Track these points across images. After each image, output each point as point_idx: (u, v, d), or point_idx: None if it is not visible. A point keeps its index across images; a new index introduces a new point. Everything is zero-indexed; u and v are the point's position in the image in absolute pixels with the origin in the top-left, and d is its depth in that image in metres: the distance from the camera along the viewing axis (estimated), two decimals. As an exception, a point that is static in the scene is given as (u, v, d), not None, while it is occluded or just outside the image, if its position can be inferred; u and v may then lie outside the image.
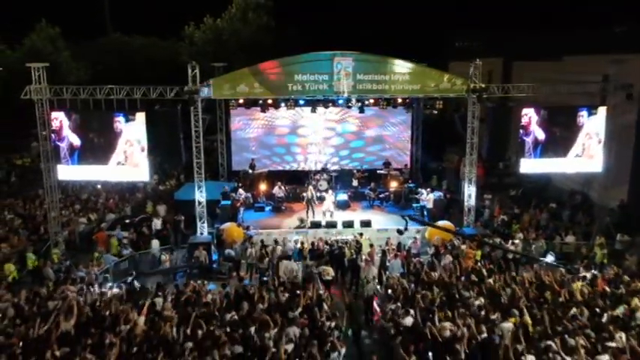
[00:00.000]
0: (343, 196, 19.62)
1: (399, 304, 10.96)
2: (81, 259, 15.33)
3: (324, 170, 21.02)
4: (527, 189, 22.82)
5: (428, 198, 17.68)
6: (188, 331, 9.64)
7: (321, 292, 11.61)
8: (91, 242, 17.02)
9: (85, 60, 30.22)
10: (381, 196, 19.97)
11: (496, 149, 17.27)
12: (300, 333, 9.62)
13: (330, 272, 13.31)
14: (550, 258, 14.57)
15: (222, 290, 12.07)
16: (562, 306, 10.72)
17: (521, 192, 22.69)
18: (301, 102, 19.45)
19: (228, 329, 9.71)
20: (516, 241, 15.58)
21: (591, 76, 20.22)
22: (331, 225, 17.01)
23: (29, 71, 23.13)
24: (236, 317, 10.28)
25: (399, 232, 12.67)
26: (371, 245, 14.82)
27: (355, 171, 21.53)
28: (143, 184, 23.17)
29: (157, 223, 17.85)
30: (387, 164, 21.27)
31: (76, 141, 15.59)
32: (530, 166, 16.52)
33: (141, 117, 15.32)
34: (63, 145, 15.59)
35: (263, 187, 20.10)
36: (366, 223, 16.99)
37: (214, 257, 15.87)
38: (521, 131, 16.13)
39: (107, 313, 10.58)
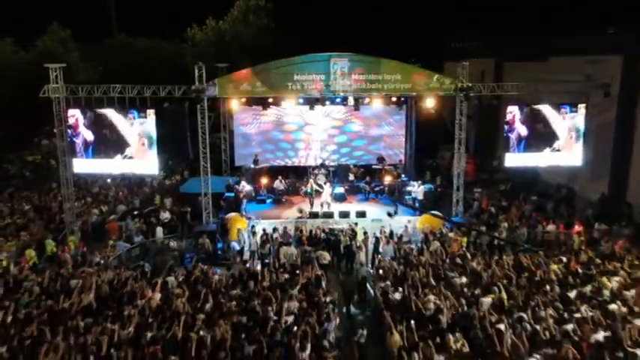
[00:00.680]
0: (340, 190, 20.61)
1: (388, 282, 11.96)
2: (94, 247, 16.34)
3: (322, 166, 22.01)
4: (516, 184, 23.81)
5: (418, 190, 18.68)
6: (198, 305, 10.67)
7: (318, 273, 12.60)
8: (102, 232, 18.03)
9: (93, 60, 31.16)
10: (375, 189, 20.96)
11: (483, 144, 18.27)
12: (298, 307, 10.63)
13: (326, 257, 14.29)
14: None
15: (227, 272, 13.07)
16: (537, 284, 11.74)
17: (509, 186, 23.70)
18: (300, 100, 20.43)
19: (234, 303, 10.73)
20: (501, 229, 16.60)
21: (575, 76, 21.26)
22: (328, 215, 18.01)
23: (41, 72, 24.12)
24: (241, 293, 11.30)
25: (389, 214, 13.63)
26: (365, 233, 15.79)
27: (352, 166, 22.54)
28: (150, 178, 24.24)
29: (165, 215, 18.86)
30: (380, 159, 22.27)
31: (90, 137, 16.59)
32: (514, 160, 17.52)
33: (152, 114, 16.32)
34: (78, 141, 16.59)
35: (264, 180, 21.07)
36: (361, 214, 18.01)
37: (219, 245, 16.86)
38: (505, 127, 17.13)
39: (124, 290, 11.59)
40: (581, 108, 17.19)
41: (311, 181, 19.52)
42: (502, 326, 9.51)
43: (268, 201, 20.29)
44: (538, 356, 8.52)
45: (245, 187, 19.38)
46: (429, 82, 16.98)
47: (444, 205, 19.31)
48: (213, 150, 23.26)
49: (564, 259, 13.47)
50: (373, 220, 17.73)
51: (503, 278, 11.97)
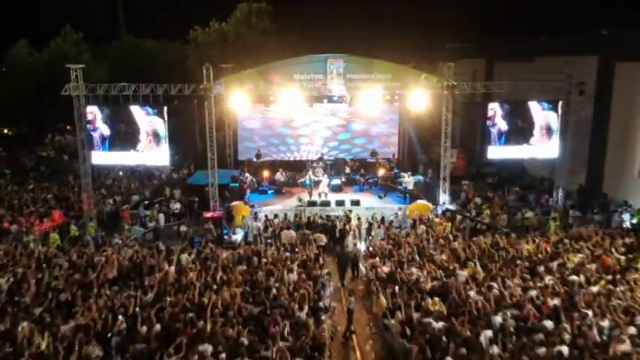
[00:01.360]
0: (337, 181, 21.92)
1: (377, 259, 13.32)
2: (110, 233, 17.68)
3: (320, 159, 23.30)
4: (503, 177, 25.16)
5: (409, 180, 20.01)
6: (209, 277, 12.01)
7: (315, 251, 13.94)
8: (116, 219, 19.39)
9: (103, 61, 32.46)
10: (370, 181, 22.28)
11: (467, 138, 19.55)
12: (297, 278, 11.97)
13: (323, 239, 15.63)
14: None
15: (233, 252, 14.41)
16: (509, 260, 13.08)
17: (496, 180, 25.05)
18: (300, 98, 21.66)
19: (240, 276, 12.07)
20: (483, 216, 17.95)
21: (557, 75, 22.55)
22: (325, 204, 19.31)
23: (55, 72, 25.48)
24: (246, 268, 12.65)
25: (380, 197, 14.93)
26: (358, 219, 17.14)
27: (348, 160, 23.86)
28: (158, 172, 25.62)
29: (175, 206, 20.22)
30: (373, 154, 23.63)
31: (107, 131, 17.92)
32: (495, 152, 18.84)
33: (164, 111, 17.65)
34: (96, 135, 17.92)
35: (266, 173, 22.34)
36: (355, 202, 19.33)
37: (225, 232, 18.17)
38: (488, 122, 18.46)
39: (143, 265, 12.94)
40: (558, 105, 18.47)
41: (310, 172, 20.83)
42: (472, 292, 10.90)
43: (270, 192, 21.56)
44: (502, 314, 9.86)
45: (248, 178, 20.71)
46: (417, 81, 18.29)
47: (432, 195, 20.63)
48: (218, 145, 24.67)
49: (537, 240, 14.84)
50: (367, 208, 19.07)
51: (480, 255, 13.34)
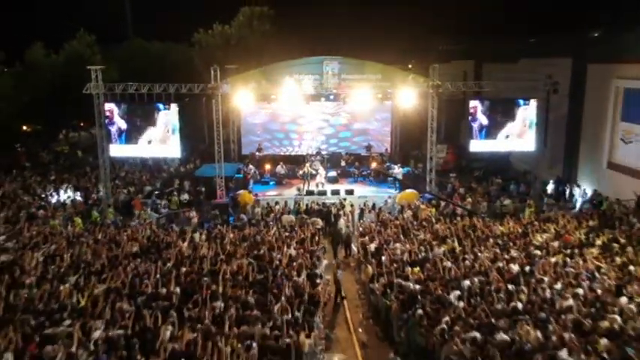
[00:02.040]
0: (333, 173, 23.47)
1: (367, 238, 14.88)
2: (126, 218, 19.21)
3: (318, 153, 24.86)
4: (490, 170, 26.70)
5: (398, 171, 21.58)
6: (218, 251, 13.57)
7: (312, 231, 15.50)
8: (129, 207, 20.91)
9: (113, 62, 33.94)
10: (363, 173, 23.85)
11: (455, 134, 21.07)
12: (296, 253, 13.53)
13: (319, 222, 17.17)
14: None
15: (239, 232, 15.96)
16: (483, 238, 14.65)
17: (482, 173, 26.60)
18: (299, 96, 23.19)
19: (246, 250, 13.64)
20: (465, 203, 19.51)
21: (538, 75, 24.07)
22: (322, 193, 20.88)
23: (70, 72, 26.94)
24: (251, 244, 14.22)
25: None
26: (351, 205, 18.70)
27: (343, 154, 25.42)
28: (167, 166, 27.15)
29: (184, 197, 21.74)
30: (368, 148, 25.19)
31: (123, 125, 19.48)
32: (477, 145, 20.40)
33: (174, 107, 19.20)
34: (113, 129, 19.47)
35: (268, 166, 23.91)
36: (349, 192, 20.90)
37: (231, 219, 19.69)
38: (470, 118, 20.01)
39: (160, 242, 14.51)
40: (533, 102, 20.02)
41: (308, 165, 22.39)
42: (447, 263, 12.47)
43: (271, 183, 23.12)
44: (470, 279, 11.43)
45: (252, 169, 22.29)
46: (405, 80, 19.85)
47: (421, 185, 22.18)
48: (223, 140, 26.19)
49: (510, 223, 16.41)
50: (360, 196, 20.63)
51: (457, 234, 14.91)
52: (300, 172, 22.58)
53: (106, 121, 19.29)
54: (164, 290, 10.93)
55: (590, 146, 21.13)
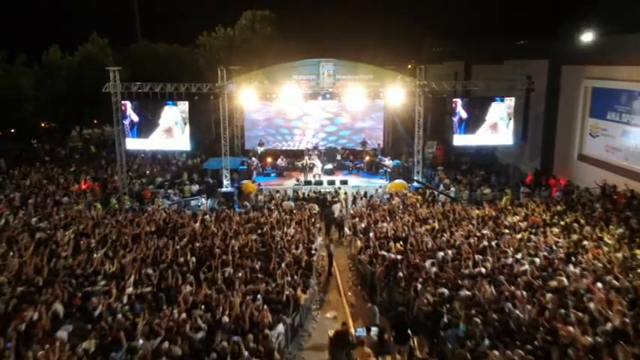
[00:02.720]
0: (329, 166, 25.14)
1: (357, 219, 16.59)
2: (140, 206, 20.89)
3: (315, 148, 26.53)
4: (475, 164, 28.37)
5: (388, 163, 23.26)
6: (226, 230, 15.26)
7: (309, 214, 17.21)
8: (141, 197, 22.59)
9: (124, 63, 35.60)
10: (357, 166, 25.54)
11: (442, 130, 22.72)
12: (294, 232, 15.23)
13: (315, 207, 18.83)
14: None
15: (244, 215, 17.67)
16: (460, 220, 16.34)
17: (468, 166, 28.28)
18: (298, 95, 24.84)
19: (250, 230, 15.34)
20: (449, 191, 21.22)
21: (520, 76, 25.74)
22: (319, 183, 22.58)
23: (85, 73, 28.54)
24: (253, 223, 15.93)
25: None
26: (345, 193, 20.40)
27: (339, 149, 27.09)
28: (175, 160, 28.82)
29: (194, 187, 23.40)
30: (363, 143, 26.87)
31: (135, 118, 21.12)
32: (459, 140, 22.07)
33: (184, 104, 20.87)
34: (126, 122, 21.12)
35: (269, 159, 25.61)
36: (344, 182, 22.60)
37: (236, 207, 21.37)
38: (453, 115, 21.71)
39: (174, 222, 16.21)
40: (509, 100, 21.70)
41: (306, 158, 24.06)
42: (426, 239, 14.17)
43: (272, 174, 24.80)
44: (444, 251, 13.12)
45: (254, 162, 23.99)
46: (394, 81, 21.54)
47: (410, 177, 23.86)
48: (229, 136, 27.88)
49: (486, 208, 18.11)
50: (353, 186, 22.31)
51: (437, 216, 16.61)
52: (299, 164, 24.24)
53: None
54: (182, 259, 12.62)
55: (564, 140, 22.79)
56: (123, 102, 21.02)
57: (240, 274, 11.60)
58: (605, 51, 19.76)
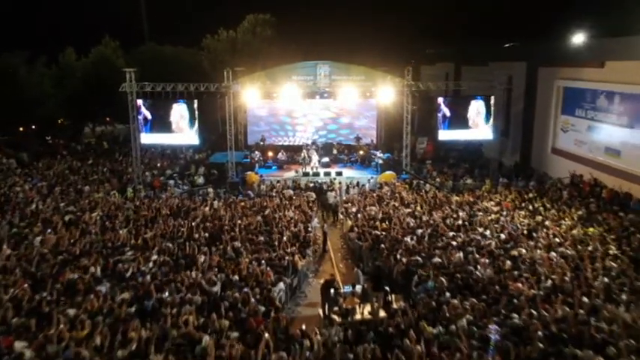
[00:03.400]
0: (325, 159, 26.94)
1: (349, 204, 18.42)
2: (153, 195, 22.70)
3: (313, 143, 28.31)
4: (463, 159, 30.15)
5: (380, 156, 25.09)
6: (234, 212, 17.08)
7: (306, 200, 19.04)
8: (152, 188, 24.40)
9: (133, 64, 37.34)
10: (352, 159, 27.35)
11: (426, 126, 24.48)
12: (293, 213, 17.04)
13: (312, 195, 20.67)
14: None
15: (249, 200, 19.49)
16: (440, 205, 18.17)
17: (456, 160, 30.07)
18: (296, 95, 26.62)
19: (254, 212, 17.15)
20: (434, 182, 23.04)
21: (502, 77, 27.54)
22: (316, 174, 24.39)
23: (98, 74, 30.24)
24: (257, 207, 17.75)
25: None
26: (339, 183, 22.22)
27: (335, 144, 28.90)
28: (183, 154, 30.60)
29: (201, 180, 25.19)
30: (357, 138, 28.69)
31: (149, 115, 22.90)
32: (444, 135, 23.88)
33: (193, 103, 22.67)
34: (140, 118, 22.90)
35: (270, 153, 27.40)
36: (339, 173, 24.42)
37: (240, 196, 23.14)
38: (437, 113, 23.53)
39: (186, 207, 18.03)
40: (489, 99, 23.51)
41: (304, 152, 25.87)
42: (408, 219, 16.00)
43: (273, 167, 26.60)
44: (423, 229, 14.94)
45: (257, 155, 25.82)
46: (384, 81, 23.35)
47: (398, 168, 25.69)
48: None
49: (465, 195, 19.94)
50: (347, 177, 24.13)
51: (419, 201, 18.44)
52: (300, 159, 26.03)
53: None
54: (196, 235, 14.45)
55: (540, 135, 24.60)
56: (139, 101, 22.79)
57: (247, 246, 13.43)
58: (573, 54, 21.58)
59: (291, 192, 20.86)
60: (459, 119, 23.16)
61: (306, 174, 24.47)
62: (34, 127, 33.12)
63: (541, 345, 8.20)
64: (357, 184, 22.27)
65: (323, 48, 36.30)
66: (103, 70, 31.17)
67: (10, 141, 30.17)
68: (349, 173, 25.20)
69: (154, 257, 12.57)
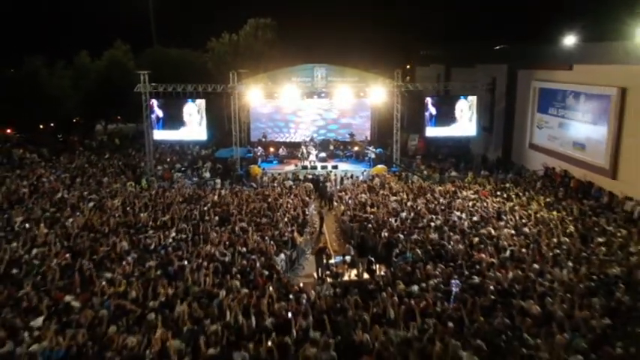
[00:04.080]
0: (323, 154, 28.74)
1: (343, 192, 20.25)
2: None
3: (312, 139, 30.10)
4: (451, 154, 31.94)
5: (372, 151, 26.89)
6: (240, 200, 18.88)
7: (305, 189, 20.86)
8: (164, 179, 26.20)
9: (142, 66, 39.13)
10: (347, 154, 29.18)
11: (415, 124, 26.28)
12: (293, 200, 18.86)
13: (310, 186, 22.47)
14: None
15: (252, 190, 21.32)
16: (424, 193, 19.98)
17: (445, 156, 31.87)
18: (296, 95, 28.43)
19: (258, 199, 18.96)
20: (421, 174, 24.86)
21: (487, 78, 29.34)
22: (314, 168, 26.21)
23: (110, 75, 32.03)
24: (260, 196, 19.57)
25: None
26: (335, 175, 24.04)
27: (332, 140, 30.70)
28: (190, 150, 32.40)
29: (206, 173, 26.97)
30: (351, 135, 30.50)
31: (161, 113, 24.72)
32: (431, 132, 25.71)
33: (201, 102, 24.49)
34: (153, 116, 24.72)
35: (272, 149, 29.21)
36: (335, 167, 26.23)
37: (244, 187, 24.93)
38: (425, 111, 25.35)
39: (197, 195, 19.84)
40: (472, 98, 25.32)
41: (303, 148, 27.68)
42: (395, 205, 17.82)
43: (274, 162, 28.42)
44: (406, 212, 16.75)
45: (259, 150, 27.65)
46: (376, 82, 25.17)
47: (389, 162, 27.49)
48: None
49: (449, 185, 21.75)
50: (342, 170, 25.95)
51: (405, 190, 20.26)
52: (299, 153, 27.85)
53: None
54: (207, 217, 16.27)
55: (519, 132, 26.41)
56: (151, 100, 24.61)
57: (252, 226, 15.25)
58: (548, 58, 23.38)
59: (291, 183, 22.66)
60: (445, 117, 24.95)
61: (304, 167, 26.27)
62: (52, 125, 34.95)
63: (492, 297, 10.02)
64: (351, 176, 24.08)
65: (320, 51, 38.12)
66: (115, 72, 32.97)
67: (31, 138, 32.04)
68: (344, 167, 27.00)
69: (173, 234, 14.38)
